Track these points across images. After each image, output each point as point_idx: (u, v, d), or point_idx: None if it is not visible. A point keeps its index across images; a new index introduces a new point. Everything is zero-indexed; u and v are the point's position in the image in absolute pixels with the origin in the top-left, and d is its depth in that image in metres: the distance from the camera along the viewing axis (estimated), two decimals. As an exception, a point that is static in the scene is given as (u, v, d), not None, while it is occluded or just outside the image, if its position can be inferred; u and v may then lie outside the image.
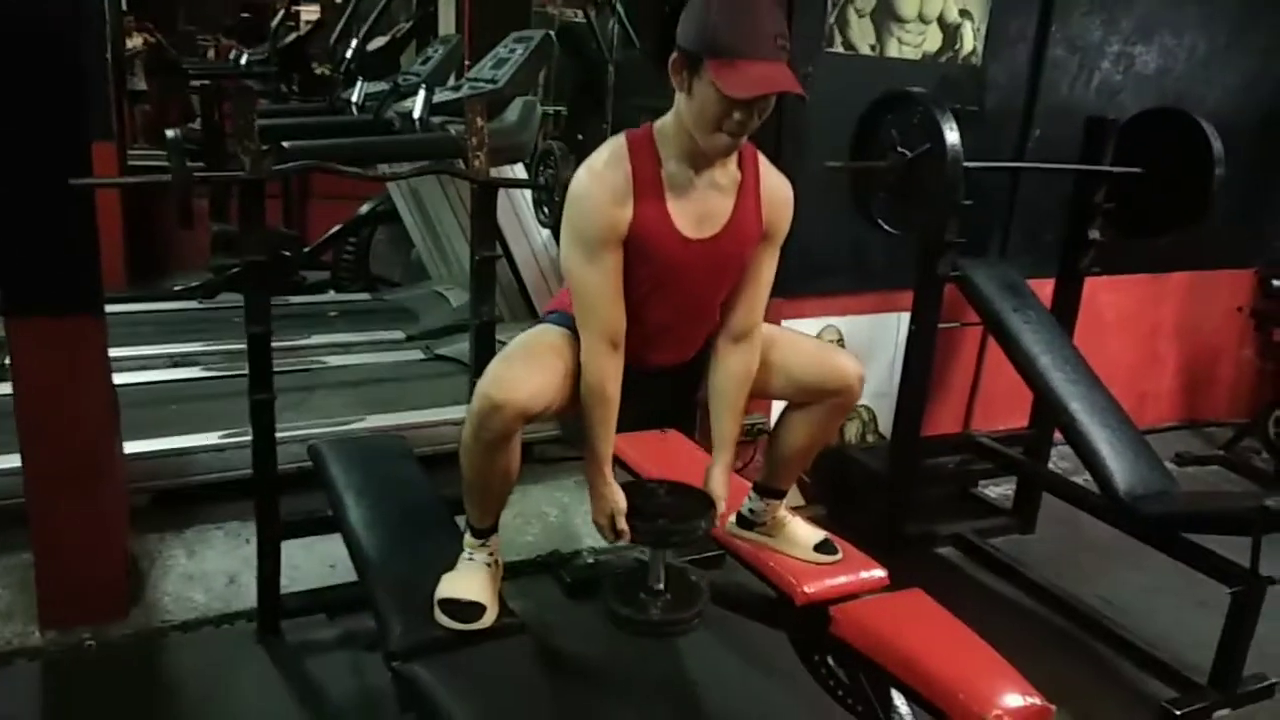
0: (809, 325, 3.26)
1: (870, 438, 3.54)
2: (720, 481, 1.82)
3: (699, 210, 1.68)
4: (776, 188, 1.76)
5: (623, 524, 1.75)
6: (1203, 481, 3.74)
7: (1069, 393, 2.69)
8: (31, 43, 2.03)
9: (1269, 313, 4.21)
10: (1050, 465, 3.39)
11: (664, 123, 1.67)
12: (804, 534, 2.07)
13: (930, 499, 3.29)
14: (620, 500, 1.76)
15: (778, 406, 2.06)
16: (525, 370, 1.67)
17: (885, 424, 3.46)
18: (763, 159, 1.75)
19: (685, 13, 1.57)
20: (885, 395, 3.35)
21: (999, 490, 3.51)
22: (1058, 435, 2.85)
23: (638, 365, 1.77)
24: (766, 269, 1.81)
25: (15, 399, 2.21)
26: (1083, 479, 2.86)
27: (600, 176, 1.64)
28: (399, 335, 4.11)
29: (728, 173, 1.69)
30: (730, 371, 1.82)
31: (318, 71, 5.81)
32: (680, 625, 1.85)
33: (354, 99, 3.97)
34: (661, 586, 1.84)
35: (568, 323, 1.79)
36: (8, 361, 2.45)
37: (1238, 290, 4.25)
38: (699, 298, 1.77)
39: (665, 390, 1.97)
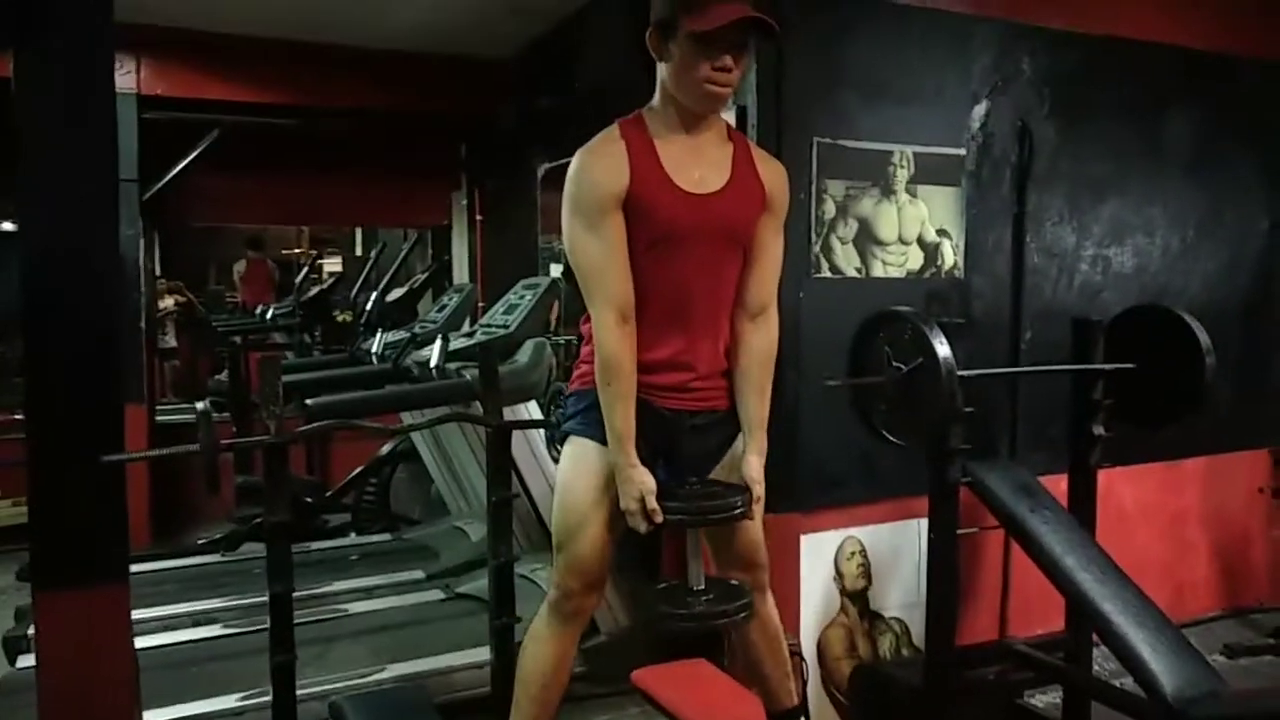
0: (829, 538, 3.25)
1: (905, 651, 3.43)
2: (755, 466, 1.80)
3: (695, 170, 1.74)
4: (769, 158, 1.85)
5: (653, 503, 1.70)
6: (1256, 673, 3.56)
7: (1099, 594, 2.63)
8: (74, 323, 2.17)
9: (1293, 491, 4.17)
10: (1096, 666, 3.25)
11: (651, 103, 1.78)
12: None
13: (975, 714, 3.14)
14: (649, 480, 1.72)
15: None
16: (582, 548, 1.79)
17: (918, 635, 3.36)
18: (751, 141, 1.85)
19: None
20: (915, 605, 3.28)
21: (1046, 699, 3.35)
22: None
23: (646, 368, 1.76)
24: (773, 244, 1.84)
25: (37, 672, 2.20)
26: (1130, 682, 2.75)
27: (594, 149, 1.73)
28: (419, 575, 4.10)
29: (718, 141, 1.77)
30: (752, 349, 1.83)
31: (339, 319, 6.13)
32: (724, 616, 1.79)
33: (374, 349, 4.17)
34: (702, 587, 1.79)
35: (585, 425, 1.83)
36: (30, 632, 2.46)
37: (1256, 471, 4.23)
38: (706, 267, 1.77)
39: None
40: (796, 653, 2.75)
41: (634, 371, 1.72)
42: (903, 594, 3.37)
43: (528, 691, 1.81)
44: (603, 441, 1.76)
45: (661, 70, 1.74)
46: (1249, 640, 3.83)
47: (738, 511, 1.75)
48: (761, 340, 1.84)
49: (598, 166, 1.70)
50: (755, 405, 1.84)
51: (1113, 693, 2.87)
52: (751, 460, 1.81)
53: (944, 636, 2.91)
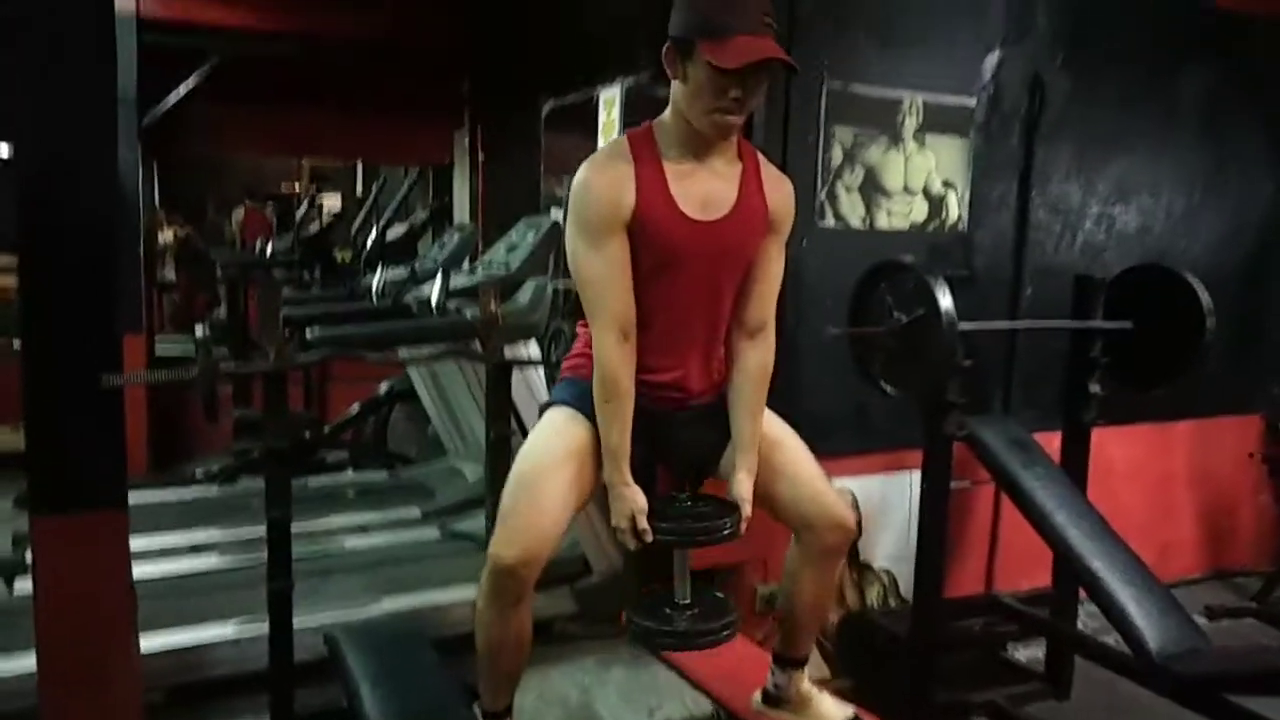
0: (822, 488, 3.27)
1: (892, 602, 3.48)
2: (744, 485, 1.78)
3: (702, 194, 1.70)
4: (777, 178, 1.80)
5: (644, 523, 1.70)
6: (1237, 635, 3.62)
7: (1088, 550, 2.67)
8: (72, 247, 2.14)
9: (1283, 458, 4.20)
10: (1080, 623, 3.30)
11: (662, 117, 1.74)
12: (831, 710, 2.03)
13: (959, 664, 3.19)
14: (640, 500, 1.72)
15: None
16: (529, 516, 1.69)
17: (906, 587, 3.41)
18: (761, 155, 1.80)
19: (676, 6, 1.66)
20: (904, 558, 3.32)
21: (1029, 652, 3.41)
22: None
23: (646, 380, 1.75)
24: (774, 262, 1.81)
25: (35, 597, 2.21)
26: (1114, 638, 2.79)
27: (601, 165, 1.70)
28: (415, 514, 4.12)
29: (728, 160, 1.74)
30: (747, 369, 1.81)
31: (339, 258, 6.09)
32: (708, 635, 1.78)
33: (373, 286, 4.15)
34: (688, 601, 1.79)
35: (572, 397, 1.80)
36: (28, 557, 2.47)
37: (1246, 436, 4.26)
38: (708, 290, 1.76)
39: None
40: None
41: (632, 390, 1.72)
42: (892, 546, 3.42)
43: (486, 658, 1.81)
44: (586, 413, 1.76)
45: (675, 88, 1.70)
46: (1230, 602, 3.88)
47: (726, 533, 1.75)
48: (757, 359, 1.82)
49: (604, 186, 1.68)
50: (746, 425, 1.81)
51: (1096, 647, 2.92)
52: (741, 479, 1.79)
53: (931, 587, 2.95)
